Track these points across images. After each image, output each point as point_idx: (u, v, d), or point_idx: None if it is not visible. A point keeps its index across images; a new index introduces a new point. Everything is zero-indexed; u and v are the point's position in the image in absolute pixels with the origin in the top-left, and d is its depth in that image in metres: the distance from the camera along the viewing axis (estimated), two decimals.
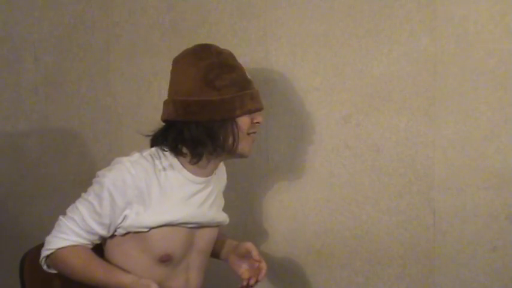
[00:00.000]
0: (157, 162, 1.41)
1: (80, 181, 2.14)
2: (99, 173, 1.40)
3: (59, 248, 1.38)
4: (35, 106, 2.18)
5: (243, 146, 1.42)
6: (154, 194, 1.39)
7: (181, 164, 1.43)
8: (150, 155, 1.42)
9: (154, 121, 2.09)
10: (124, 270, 1.38)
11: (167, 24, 1.98)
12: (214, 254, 1.60)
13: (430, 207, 1.67)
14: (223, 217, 1.55)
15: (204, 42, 1.49)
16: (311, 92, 1.78)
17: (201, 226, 1.47)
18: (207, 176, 1.47)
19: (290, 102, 1.80)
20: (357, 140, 1.74)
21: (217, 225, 1.55)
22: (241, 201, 1.91)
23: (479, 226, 1.61)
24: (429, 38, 1.62)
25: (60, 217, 1.41)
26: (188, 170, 1.43)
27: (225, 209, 1.60)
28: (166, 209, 1.39)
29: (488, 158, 1.58)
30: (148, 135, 1.48)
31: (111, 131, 2.13)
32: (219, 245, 1.59)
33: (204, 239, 1.50)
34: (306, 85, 1.78)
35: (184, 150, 1.42)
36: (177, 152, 1.42)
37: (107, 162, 2.04)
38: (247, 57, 1.83)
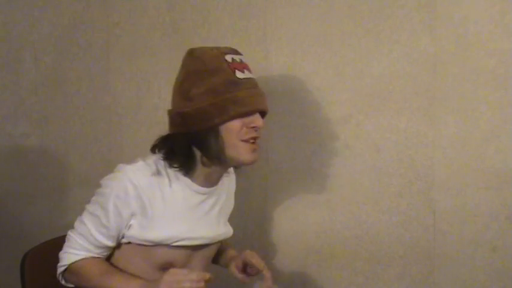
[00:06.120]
0: (162, 172, 1.35)
1: (80, 181, 2.14)
2: (102, 182, 1.35)
3: (72, 263, 1.37)
4: (35, 106, 2.17)
5: (235, 153, 1.32)
6: (157, 206, 1.33)
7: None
8: (155, 164, 1.35)
9: (155, 122, 2.09)
10: (139, 278, 1.33)
11: (167, 24, 1.98)
12: (214, 260, 1.56)
13: (430, 207, 1.66)
14: (227, 233, 1.49)
15: (199, 45, 1.40)
16: (311, 92, 1.78)
17: (204, 245, 1.42)
18: (211, 186, 1.41)
19: (290, 102, 1.80)
20: (357, 140, 1.74)
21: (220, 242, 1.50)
22: (241, 201, 1.90)
23: (479, 226, 1.61)
24: (429, 38, 1.62)
25: (69, 232, 1.39)
26: (193, 180, 1.37)
27: None
28: (170, 224, 1.34)
29: (488, 158, 1.58)
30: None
31: (111, 131, 2.13)
32: (219, 253, 1.55)
33: (208, 248, 1.46)
34: (306, 85, 1.78)
35: (175, 163, 1.34)
36: (170, 164, 1.35)
37: (107, 163, 2.04)
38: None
